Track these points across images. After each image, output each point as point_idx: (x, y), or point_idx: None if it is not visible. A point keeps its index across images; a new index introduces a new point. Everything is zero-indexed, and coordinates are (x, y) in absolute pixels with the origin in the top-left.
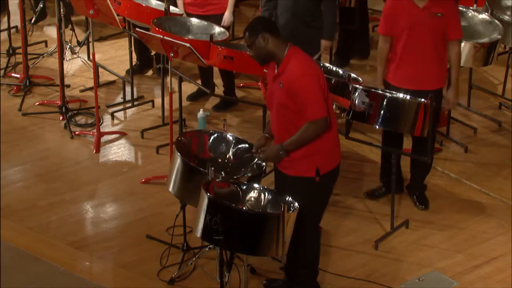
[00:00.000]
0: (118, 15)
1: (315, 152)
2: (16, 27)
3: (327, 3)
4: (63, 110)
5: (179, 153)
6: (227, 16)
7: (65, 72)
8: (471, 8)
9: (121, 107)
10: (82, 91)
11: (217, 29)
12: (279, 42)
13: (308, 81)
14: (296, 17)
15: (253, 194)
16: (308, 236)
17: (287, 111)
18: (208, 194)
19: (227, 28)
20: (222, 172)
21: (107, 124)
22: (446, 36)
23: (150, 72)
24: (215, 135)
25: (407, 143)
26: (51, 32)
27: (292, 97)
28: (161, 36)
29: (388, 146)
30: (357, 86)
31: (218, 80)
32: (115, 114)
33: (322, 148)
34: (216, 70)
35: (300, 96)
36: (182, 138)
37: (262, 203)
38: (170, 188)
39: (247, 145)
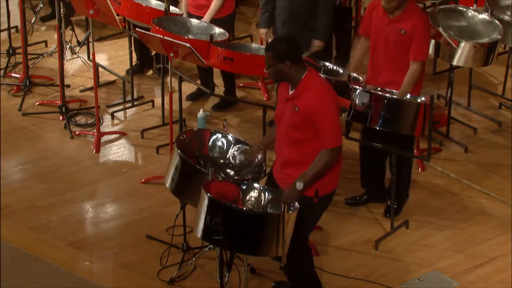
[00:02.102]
0: (118, 15)
1: None
2: (16, 27)
3: (323, 3)
4: (63, 110)
5: (179, 150)
6: (205, 19)
7: (65, 72)
8: (471, 8)
9: (121, 107)
10: (82, 91)
11: (217, 30)
12: (299, 68)
13: (328, 110)
14: (294, 17)
15: (253, 194)
16: (297, 249)
17: (296, 133)
18: (208, 194)
19: None
20: (222, 172)
21: (107, 124)
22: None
23: (150, 72)
24: (215, 135)
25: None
26: (51, 32)
27: (308, 123)
28: (161, 36)
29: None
30: (357, 86)
31: (218, 80)
32: (115, 114)
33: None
34: (216, 70)
35: (319, 124)
36: (183, 136)
37: (262, 203)
38: (167, 184)
39: (247, 146)
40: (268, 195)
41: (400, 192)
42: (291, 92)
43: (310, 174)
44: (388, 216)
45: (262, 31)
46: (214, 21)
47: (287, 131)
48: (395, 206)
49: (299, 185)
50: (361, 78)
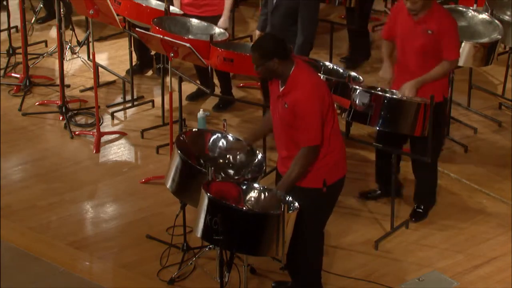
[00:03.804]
0: (118, 15)
1: (323, 165)
2: (16, 27)
3: (302, 21)
4: (63, 110)
5: (179, 151)
6: (222, 22)
7: (65, 72)
8: (471, 8)
9: (121, 107)
10: (82, 91)
11: (217, 30)
12: (287, 63)
13: (311, 107)
14: (275, 31)
15: (253, 194)
16: (311, 244)
17: (290, 128)
18: (208, 194)
19: None
20: (222, 172)
21: (107, 124)
22: (441, 53)
23: (150, 72)
24: (215, 135)
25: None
26: (51, 32)
27: (295, 118)
28: (161, 36)
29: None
30: (357, 86)
31: (217, 80)
32: (115, 114)
33: (330, 161)
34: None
35: (300, 119)
36: (183, 137)
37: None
38: (168, 185)
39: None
40: (268, 195)
41: (426, 197)
42: (281, 89)
43: (287, 181)
44: (413, 220)
45: (257, 33)
46: (211, 19)
47: (281, 127)
48: (420, 210)
49: (279, 194)
50: (361, 78)
